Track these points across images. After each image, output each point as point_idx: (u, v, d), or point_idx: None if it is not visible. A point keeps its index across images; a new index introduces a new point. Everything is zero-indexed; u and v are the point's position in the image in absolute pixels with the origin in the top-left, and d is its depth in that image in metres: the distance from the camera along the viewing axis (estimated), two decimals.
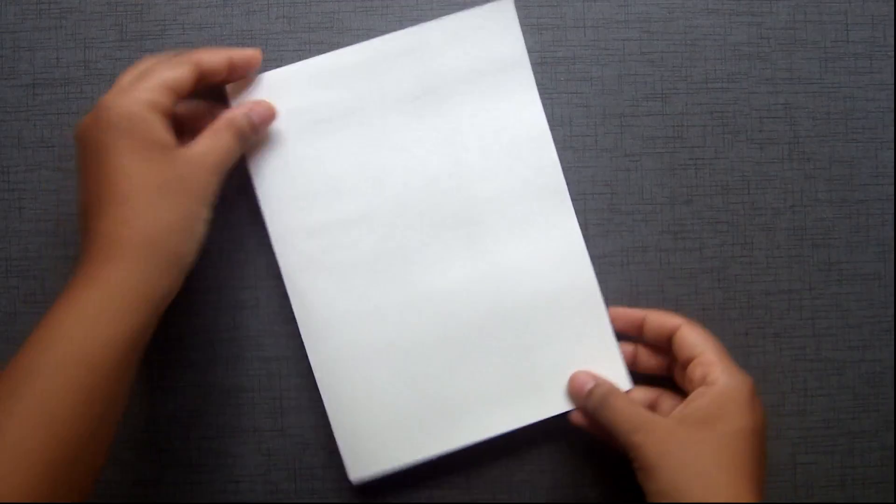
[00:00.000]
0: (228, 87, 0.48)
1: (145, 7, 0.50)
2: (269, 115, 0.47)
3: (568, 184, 0.49)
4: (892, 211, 0.51)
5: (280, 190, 0.48)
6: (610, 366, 0.48)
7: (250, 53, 0.47)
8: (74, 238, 0.50)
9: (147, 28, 0.50)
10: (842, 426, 0.51)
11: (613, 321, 0.49)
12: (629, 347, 0.49)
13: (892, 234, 0.51)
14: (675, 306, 0.50)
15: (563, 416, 0.48)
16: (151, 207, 0.41)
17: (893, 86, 0.51)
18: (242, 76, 0.47)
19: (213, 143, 0.44)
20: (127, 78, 0.44)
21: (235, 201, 0.50)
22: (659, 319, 0.47)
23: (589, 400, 0.46)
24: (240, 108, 0.46)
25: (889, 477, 0.51)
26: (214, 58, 0.45)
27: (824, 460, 0.51)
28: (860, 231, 0.51)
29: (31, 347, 0.39)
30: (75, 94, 0.50)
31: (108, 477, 0.49)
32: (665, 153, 0.51)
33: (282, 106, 0.48)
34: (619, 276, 0.50)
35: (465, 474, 0.50)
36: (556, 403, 0.48)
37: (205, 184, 0.43)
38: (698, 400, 0.43)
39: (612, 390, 0.46)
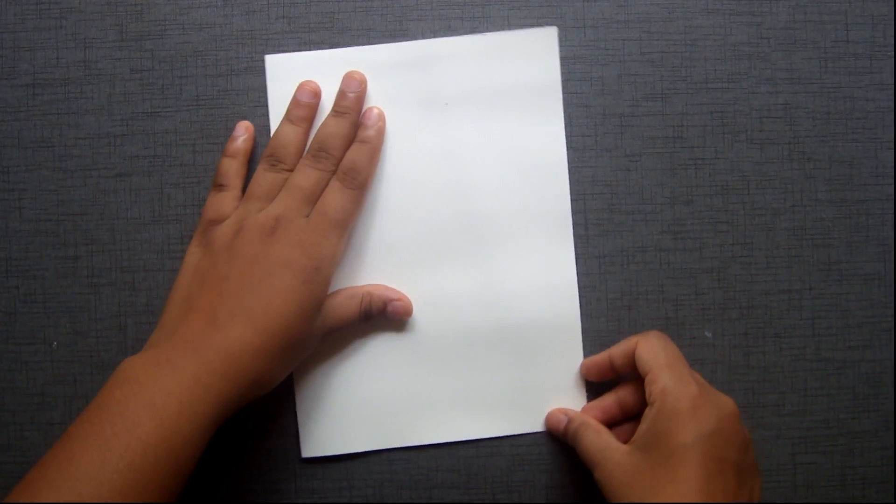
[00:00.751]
0: (267, 59, 0.49)
1: (145, 7, 0.50)
2: (405, 314, 0.49)
3: (568, 184, 0.50)
4: (892, 211, 0.51)
5: None
6: (574, 399, 0.49)
7: (409, 308, 0.49)
8: (74, 238, 0.50)
9: (147, 28, 0.50)
10: (842, 426, 0.51)
11: (587, 375, 0.49)
12: (611, 402, 0.48)
13: (893, 233, 0.51)
14: (675, 306, 0.50)
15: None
16: (277, 359, 0.43)
17: (893, 86, 0.51)
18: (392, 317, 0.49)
19: (341, 309, 0.47)
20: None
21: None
22: (621, 351, 0.47)
23: (566, 437, 0.48)
24: (387, 293, 0.48)
25: (889, 477, 0.51)
26: (379, 303, 0.48)
27: (824, 460, 0.51)
28: (860, 231, 0.51)
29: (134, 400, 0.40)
30: (75, 94, 0.50)
31: None
32: (665, 153, 0.51)
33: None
34: (619, 277, 0.50)
35: (466, 474, 0.50)
36: (518, 423, 0.49)
37: (315, 346, 0.47)
38: (643, 424, 0.43)
39: (581, 425, 0.47)
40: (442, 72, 0.49)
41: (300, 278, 0.43)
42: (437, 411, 0.49)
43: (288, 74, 0.49)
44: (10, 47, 0.50)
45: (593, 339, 0.50)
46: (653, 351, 0.45)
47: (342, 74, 0.49)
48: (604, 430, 0.46)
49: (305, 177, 0.46)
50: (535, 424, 0.49)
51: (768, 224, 0.51)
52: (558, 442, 0.50)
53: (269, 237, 0.44)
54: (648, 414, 0.43)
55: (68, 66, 0.50)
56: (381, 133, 0.48)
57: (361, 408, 0.49)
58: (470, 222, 0.49)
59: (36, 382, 0.50)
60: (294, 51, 0.50)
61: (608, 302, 0.50)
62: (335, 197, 0.45)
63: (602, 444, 0.45)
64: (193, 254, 0.46)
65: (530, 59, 0.49)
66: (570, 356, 0.49)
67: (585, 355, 0.50)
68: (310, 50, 0.50)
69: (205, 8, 0.50)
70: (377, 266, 0.49)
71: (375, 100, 0.49)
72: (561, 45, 0.50)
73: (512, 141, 0.49)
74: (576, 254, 0.50)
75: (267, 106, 0.49)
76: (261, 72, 0.50)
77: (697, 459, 0.41)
